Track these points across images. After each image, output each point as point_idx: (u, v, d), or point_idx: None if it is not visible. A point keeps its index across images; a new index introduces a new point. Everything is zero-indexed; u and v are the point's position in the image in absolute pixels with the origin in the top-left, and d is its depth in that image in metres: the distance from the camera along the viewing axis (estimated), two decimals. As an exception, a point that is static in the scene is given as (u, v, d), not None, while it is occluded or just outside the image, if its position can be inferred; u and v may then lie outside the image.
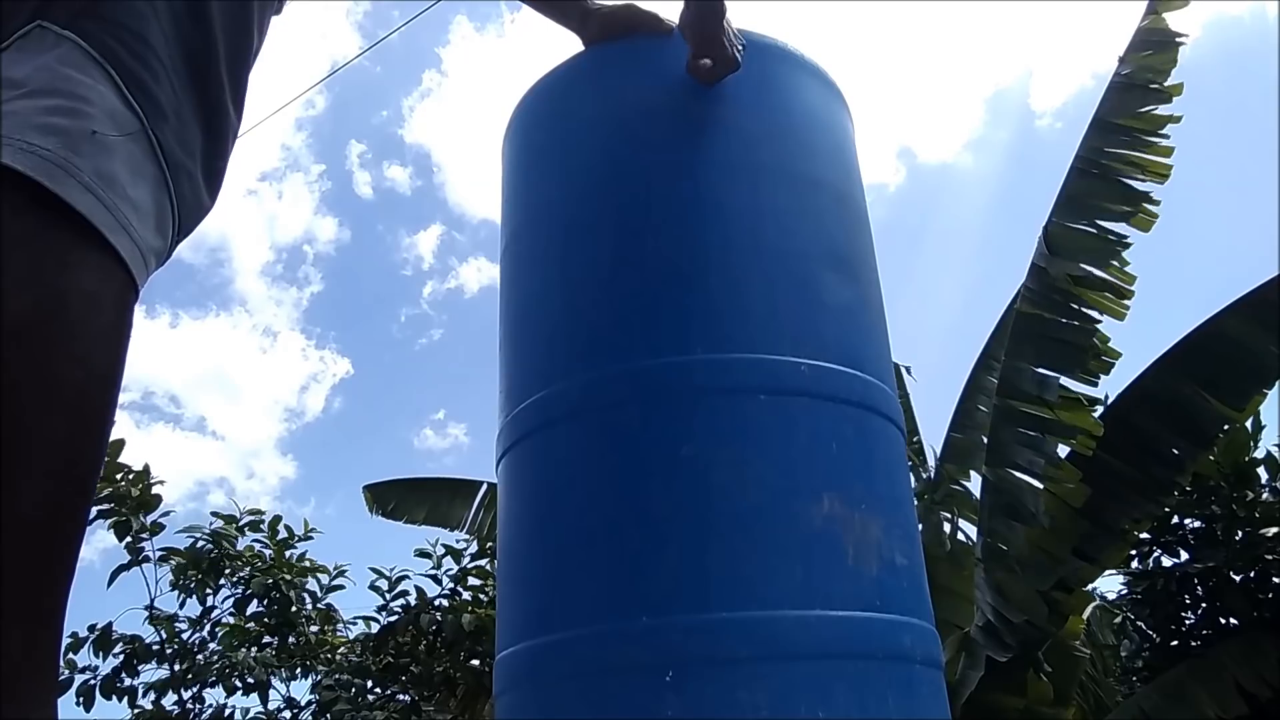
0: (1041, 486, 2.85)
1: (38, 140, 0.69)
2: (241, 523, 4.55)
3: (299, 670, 4.60)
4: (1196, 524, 4.15)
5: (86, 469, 0.70)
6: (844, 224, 1.30)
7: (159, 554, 4.23)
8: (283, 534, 4.66)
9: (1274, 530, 3.91)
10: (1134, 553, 4.26)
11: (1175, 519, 4.19)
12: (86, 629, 4.23)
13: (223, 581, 4.41)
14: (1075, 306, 2.87)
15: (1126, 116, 2.92)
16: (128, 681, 4.26)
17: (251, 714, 4.52)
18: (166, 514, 4.22)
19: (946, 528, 3.83)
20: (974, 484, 3.83)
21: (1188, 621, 4.18)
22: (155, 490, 4.13)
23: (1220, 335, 3.03)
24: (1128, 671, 4.78)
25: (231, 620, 4.51)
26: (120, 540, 4.06)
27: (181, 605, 4.42)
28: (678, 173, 1.24)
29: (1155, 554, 4.31)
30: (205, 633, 4.48)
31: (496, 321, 1.38)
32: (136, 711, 4.26)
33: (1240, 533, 3.99)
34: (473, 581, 4.41)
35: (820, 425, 1.11)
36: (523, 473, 1.21)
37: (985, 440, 3.63)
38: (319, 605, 4.69)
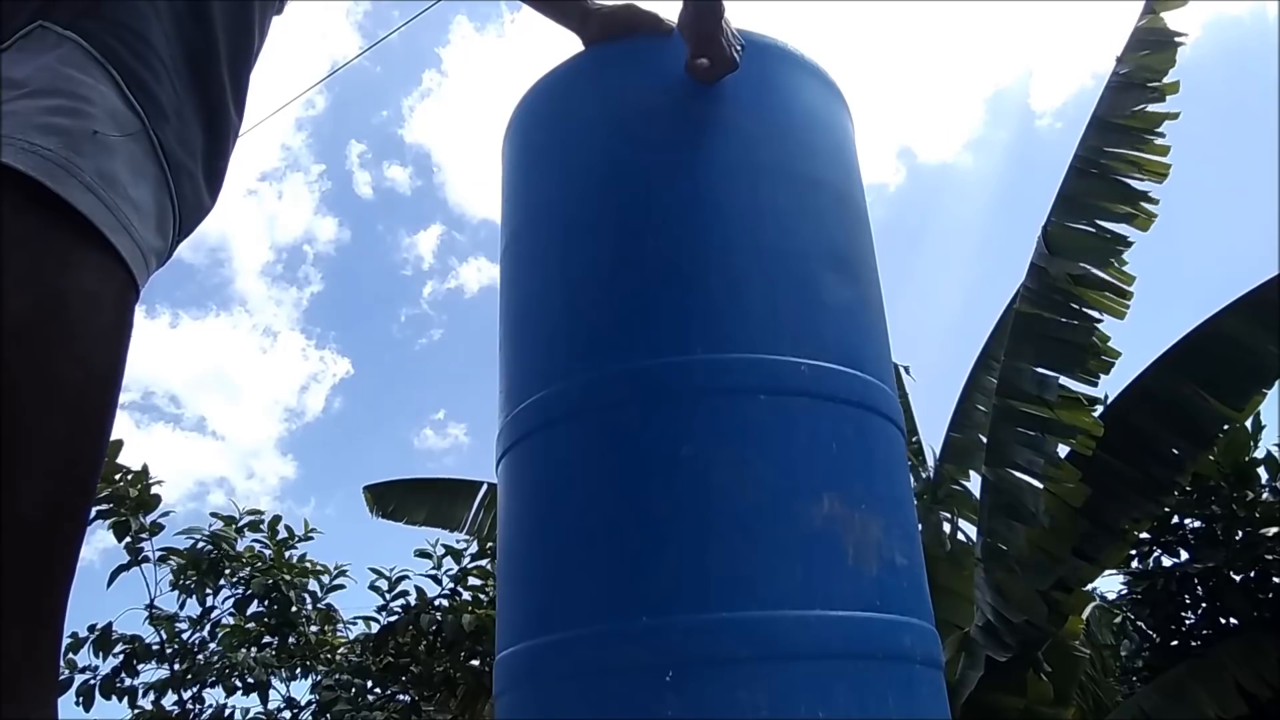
0: (1041, 486, 2.85)
1: (39, 140, 0.69)
2: (241, 523, 4.55)
3: (299, 670, 4.60)
4: (1196, 524, 4.15)
5: (86, 469, 0.70)
6: (844, 224, 1.30)
7: (158, 554, 4.23)
8: (282, 534, 4.66)
9: (1274, 530, 3.91)
10: (1134, 552, 4.26)
11: (1175, 519, 4.19)
12: (86, 629, 4.24)
13: (222, 582, 4.41)
14: (1075, 306, 2.87)
15: (1124, 116, 2.92)
16: (128, 682, 4.27)
17: (251, 714, 4.52)
18: (166, 514, 4.23)
19: (946, 528, 3.83)
20: (973, 484, 3.84)
21: (1188, 621, 4.19)
22: (154, 490, 4.13)
23: (1220, 335, 3.03)
24: (1128, 671, 4.78)
25: (232, 620, 4.51)
26: (119, 540, 4.06)
27: (181, 606, 4.43)
28: (678, 173, 1.24)
29: (1155, 554, 4.31)
30: (205, 633, 4.48)
31: (496, 321, 1.38)
32: (136, 711, 4.26)
33: (1240, 533, 3.99)
34: (473, 581, 4.42)
35: (820, 425, 1.11)
36: (523, 473, 1.21)
37: (984, 440, 3.64)
38: (319, 605, 4.69)
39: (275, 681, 4.50)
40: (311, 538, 4.74)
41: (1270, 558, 3.88)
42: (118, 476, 4.02)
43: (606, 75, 1.36)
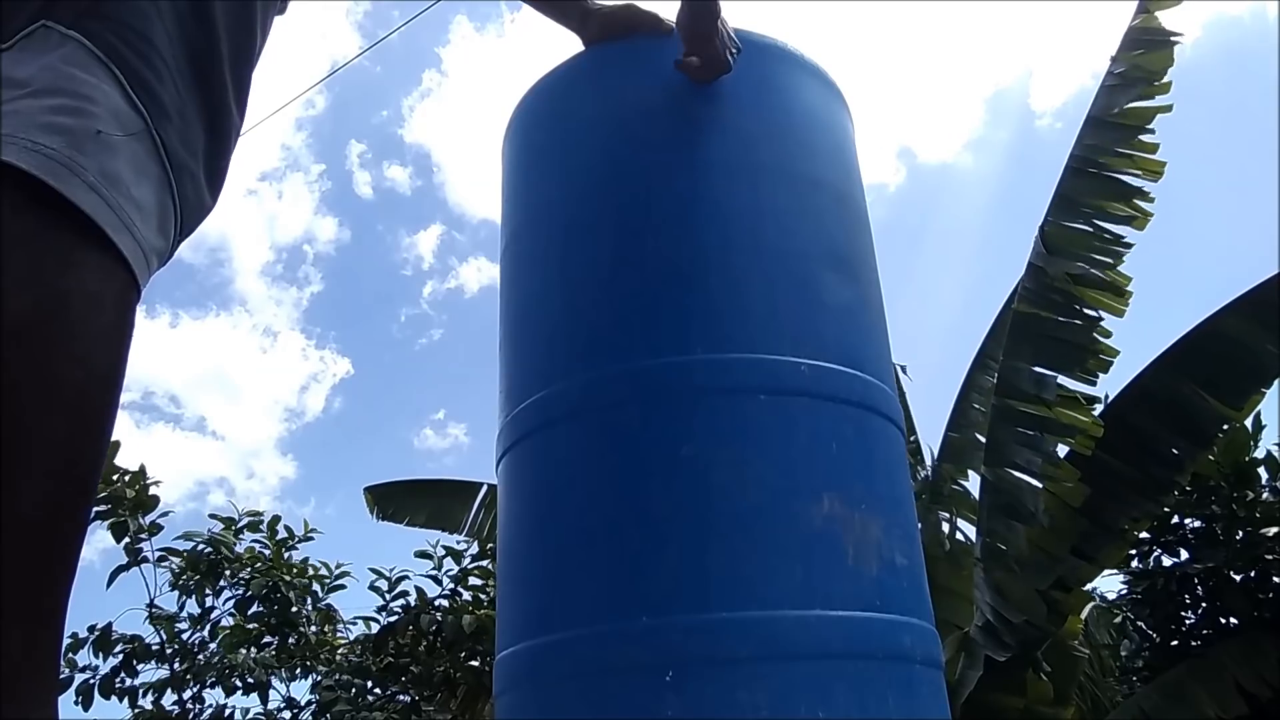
0: (1040, 486, 2.85)
1: (42, 139, 0.69)
2: (240, 524, 4.55)
3: (299, 670, 4.60)
4: (1196, 524, 4.15)
5: (87, 469, 0.70)
6: (844, 224, 1.30)
7: (158, 555, 4.23)
8: (282, 534, 4.66)
9: (1274, 530, 3.91)
10: (1134, 552, 4.26)
11: (1175, 519, 4.19)
12: (86, 629, 4.24)
13: (222, 583, 4.42)
14: (1073, 305, 2.88)
15: (1118, 115, 2.92)
16: (128, 682, 4.27)
17: (251, 714, 4.52)
18: (165, 514, 4.22)
19: (945, 527, 3.83)
20: (972, 484, 3.84)
21: (1188, 621, 4.18)
22: (152, 491, 4.13)
23: (1219, 334, 3.03)
24: (1127, 671, 4.78)
25: (232, 620, 4.51)
26: (118, 541, 4.06)
27: (181, 607, 4.43)
28: (678, 173, 1.24)
29: (1155, 554, 4.31)
30: (205, 633, 4.48)
31: (496, 321, 1.38)
32: (137, 711, 4.26)
33: (1240, 533, 3.99)
34: (473, 582, 4.41)
35: (820, 425, 1.11)
36: (523, 473, 1.21)
37: (981, 439, 3.64)
38: (319, 606, 4.69)
39: (275, 681, 4.50)
40: (311, 538, 4.75)
41: (1270, 558, 3.88)
42: (115, 477, 4.02)
43: (606, 75, 1.36)
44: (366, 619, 4.63)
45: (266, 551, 4.59)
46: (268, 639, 4.54)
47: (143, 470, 4.13)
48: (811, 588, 1.01)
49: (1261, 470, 4.05)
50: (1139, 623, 4.49)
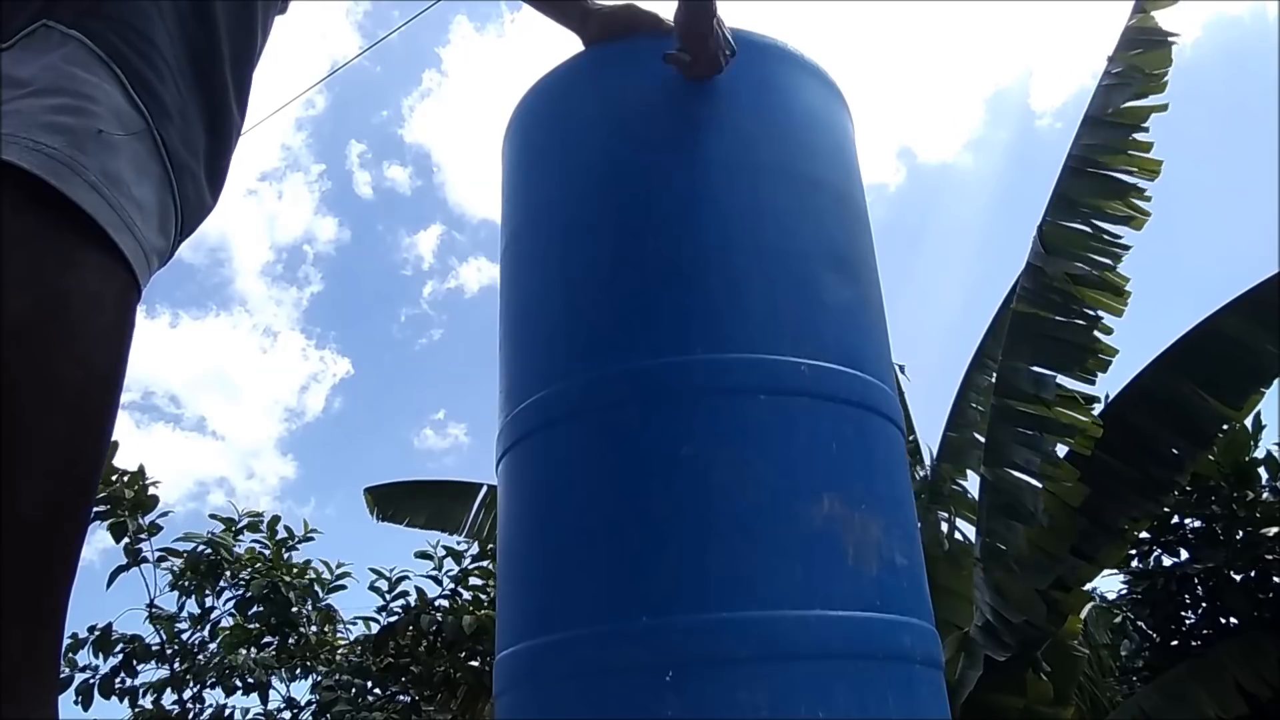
0: (1040, 486, 2.85)
1: (44, 138, 0.69)
2: (240, 525, 4.56)
3: (299, 670, 4.60)
4: (1196, 524, 4.15)
5: (87, 469, 0.70)
6: (844, 224, 1.30)
7: (157, 555, 4.24)
8: (282, 534, 4.66)
9: (1274, 530, 3.91)
10: (1134, 552, 4.26)
11: (1175, 519, 4.19)
12: (86, 629, 4.24)
13: (222, 584, 4.42)
14: (1071, 305, 2.88)
15: (1115, 115, 2.92)
16: (128, 682, 4.27)
17: (251, 714, 4.52)
18: (165, 514, 4.23)
19: (944, 527, 3.83)
20: (970, 483, 3.84)
21: (1188, 621, 4.19)
22: (151, 491, 4.13)
23: (1219, 334, 3.03)
24: (1127, 671, 4.79)
25: (231, 621, 4.51)
26: (117, 541, 4.06)
27: (181, 608, 4.43)
28: (678, 173, 1.24)
29: (1155, 554, 4.31)
30: (205, 633, 4.48)
31: (496, 321, 1.38)
32: (137, 711, 4.26)
33: (1240, 533, 3.99)
34: (474, 582, 4.42)
35: (820, 425, 1.11)
36: (523, 473, 1.21)
37: (979, 439, 3.65)
38: (319, 606, 4.69)
39: (275, 681, 4.50)
40: (312, 538, 4.75)
41: (1270, 558, 3.88)
42: (114, 478, 4.02)
43: (606, 75, 1.36)
44: (366, 619, 4.64)
45: (266, 552, 4.59)
46: (268, 639, 4.55)
47: (141, 470, 4.13)
48: (811, 588, 1.01)
49: (1261, 470, 4.05)
50: (1139, 623, 4.49)
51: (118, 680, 4.24)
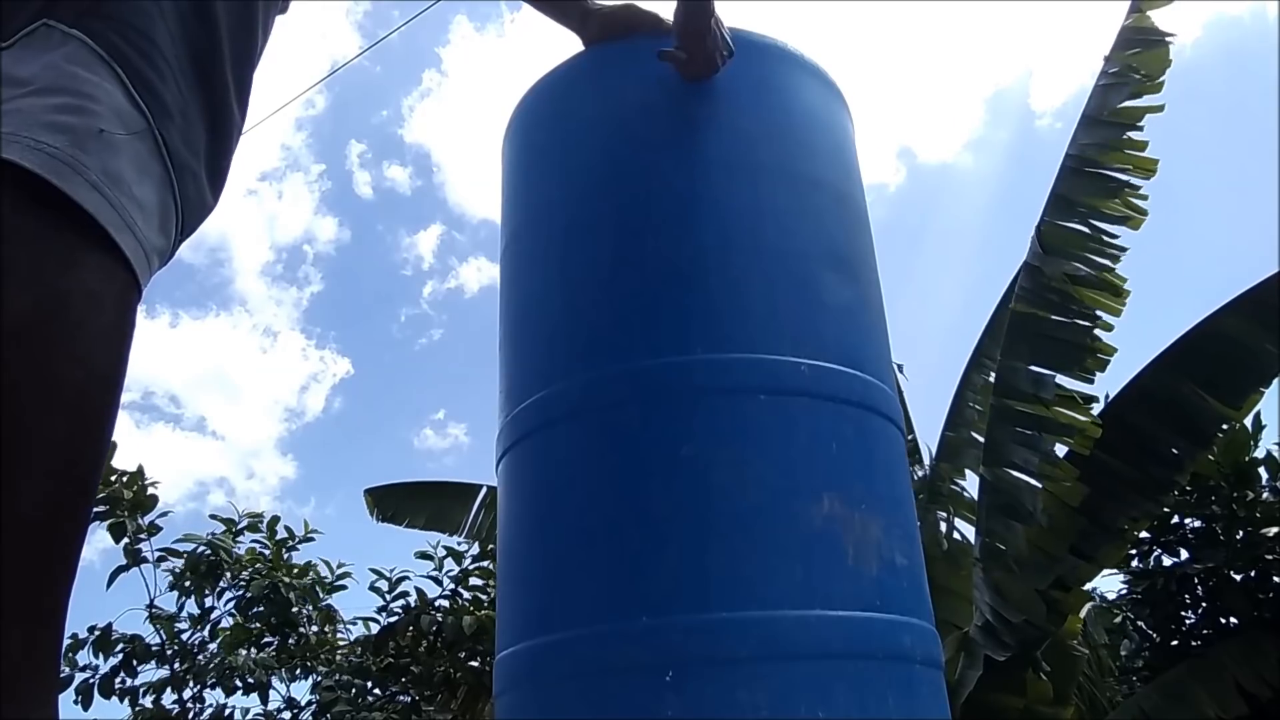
0: (1039, 486, 2.85)
1: (45, 137, 0.69)
2: (240, 526, 4.56)
3: (299, 671, 4.61)
4: (1196, 524, 4.15)
5: (87, 469, 0.70)
6: (844, 224, 1.30)
7: (157, 555, 4.24)
8: (282, 534, 4.67)
9: (1274, 530, 3.91)
10: (1134, 552, 4.26)
11: (1175, 519, 4.19)
12: (86, 629, 4.24)
13: (222, 584, 4.42)
14: (1069, 305, 2.88)
15: (1112, 114, 2.92)
16: (128, 682, 4.27)
17: (251, 714, 4.53)
18: (165, 514, 4.23)
19: (943, 527, 3.83)
20: (968, 482, 3.83)
21: (1188, 621, 4.19)
22: (151, 491, 4.13)
23: (1219, 334, 3.03)
24: (1127, 671, 4.78)
25: (232, 621, 4.51)
26: (117, 542, 4.06)
27: (180, 608, 4.43)
28: (678, 173, 1.24)
29: (1155, 554, 4.31)
30: (205, 633, 4.48)
31: (496, 321, 1.38)
32: (137, 711, 4.27)
33: (1240, 533, 3.99)
34: (474, 582, 4.42)
35: (820, 425, 1.11)
36: (523, 473, 1.21)
37: (976, 438, 3.65)
38: (319, 606, 4.70)
39: (275, 682, 4.50)
40: (312, 539, 4.76)
41: (1270, 558, 3.88)
42: (113, 478, 4.02)
43: (606, 75, 1.36)
44: (367, 619, 4.64)
45: (266, 552, 4.59)
46: (268, 639, 4.55)
47: (140, 471, 4.13)
48: (811, 588, 1.01)
49: (1261, 470, 4.05)
50: (1139, 623, 4.49)
51: (118, 680, 4.25)
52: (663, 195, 1.23)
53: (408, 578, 4.54)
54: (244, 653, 4.38)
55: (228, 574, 4.40)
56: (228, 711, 4.41)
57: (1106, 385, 2.99)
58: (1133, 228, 2.84)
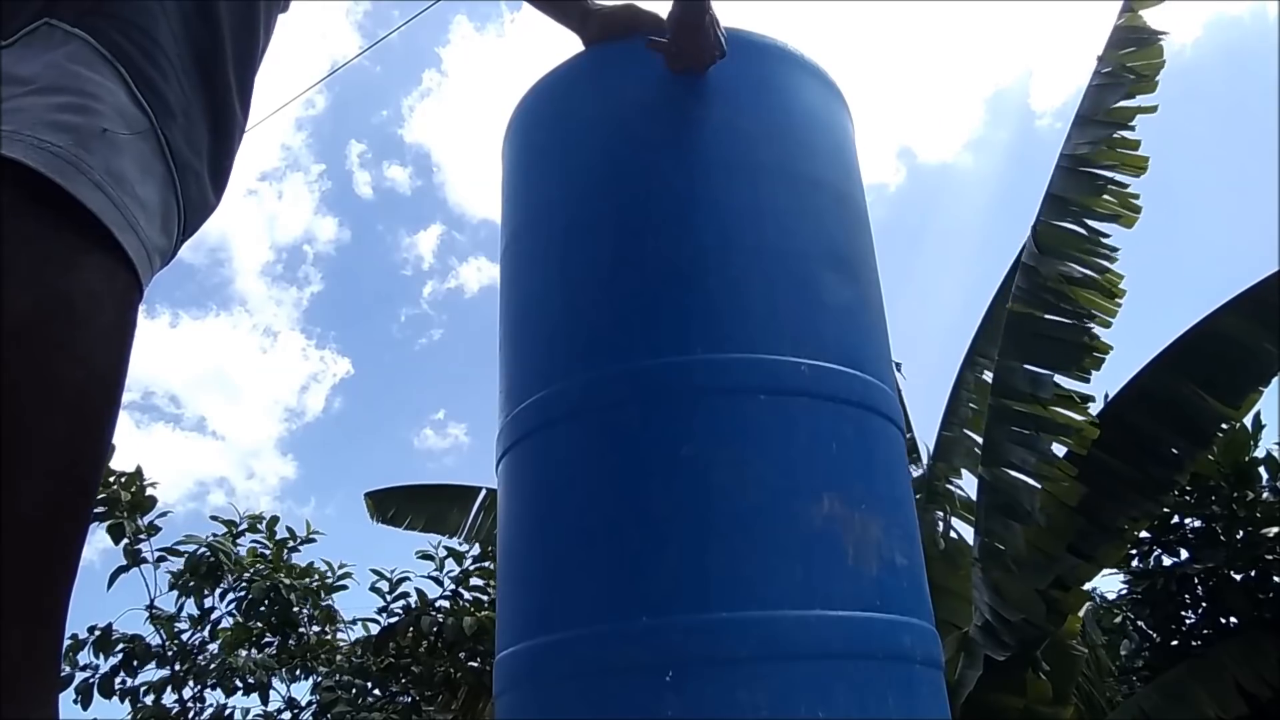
0: (1038, 485, 2.85)
1: (49, 136, 0.69)
2: (241, 528, 4.56)
3: (299, 671, 4.60)
4: (1196, 524, 4.15)
5: (87, 469, 0.70)
6: (844, 224, 1.30)
7: (157, 556, 4.24)
8: (282, 534, 4.66)
9: (1274, 530, 3.91)
10: (1134, 552, 4.26)
11: (1175, 519, 4.19)
12: (86, 629, 4.24)
13: (223, 585, 4.42)
14: (1065, 304, 2.88)
15: (1106, 114, 2.92)
16: (128, 682, 4.27)
17: (252, 714, 4.53)
18: (164, 514, 4.23)
19: (940, 526, 3.83)
20: (965, 481, 3.83)
21: (1188, 621, 4.18)
22: (150, 491, 4.13)
23: (1218, 334, 3.03)
24: (1127, 671, 4.78)
25: (232, 621, 4.51)
26: (116, 542, 4.06)
27: (180, 609, 4.43)
28: (678, 173, 1.24)
29: (1155, 554, 4.31)
30: (205, 633, 4.48)
31: (496, 321, 1.38)
32: (137, 710, 4.26)
33: (1240, 533, 3.99)
34: (474, 583, 4.42)
35: (820, 425, 1.11)
36: (523, 473, 1.21)
37: (972, 437, 3.65)
38: (320, 606, 4.70)
39: (276, 682, 4.50)
40: (313, 540, 4.75)
41: (1270, 558, 3.88)
42: (112, 479, 4.02)
43: (606, 75, 1.36)
44: (367, 620, 4.64)
45: (267, 553, 4.59)
46: (268, 639, 4.55)
47: (138, 472, 4.13)
48: (811, 588, 1.01)
49: (1261, 470, 4.05)
50: (1139, 623, 4.49)
51: (118, 680, 4.24)
52: (662, 195, 1.23)
53: (408, 578, 4.55)
54: (244, 653, 4.38)
55: (229, 575, 4.39)
56: (228, 712, 4.41)
57: (1106, 385, 3.00)
58: (1125, 226, 2.84)
